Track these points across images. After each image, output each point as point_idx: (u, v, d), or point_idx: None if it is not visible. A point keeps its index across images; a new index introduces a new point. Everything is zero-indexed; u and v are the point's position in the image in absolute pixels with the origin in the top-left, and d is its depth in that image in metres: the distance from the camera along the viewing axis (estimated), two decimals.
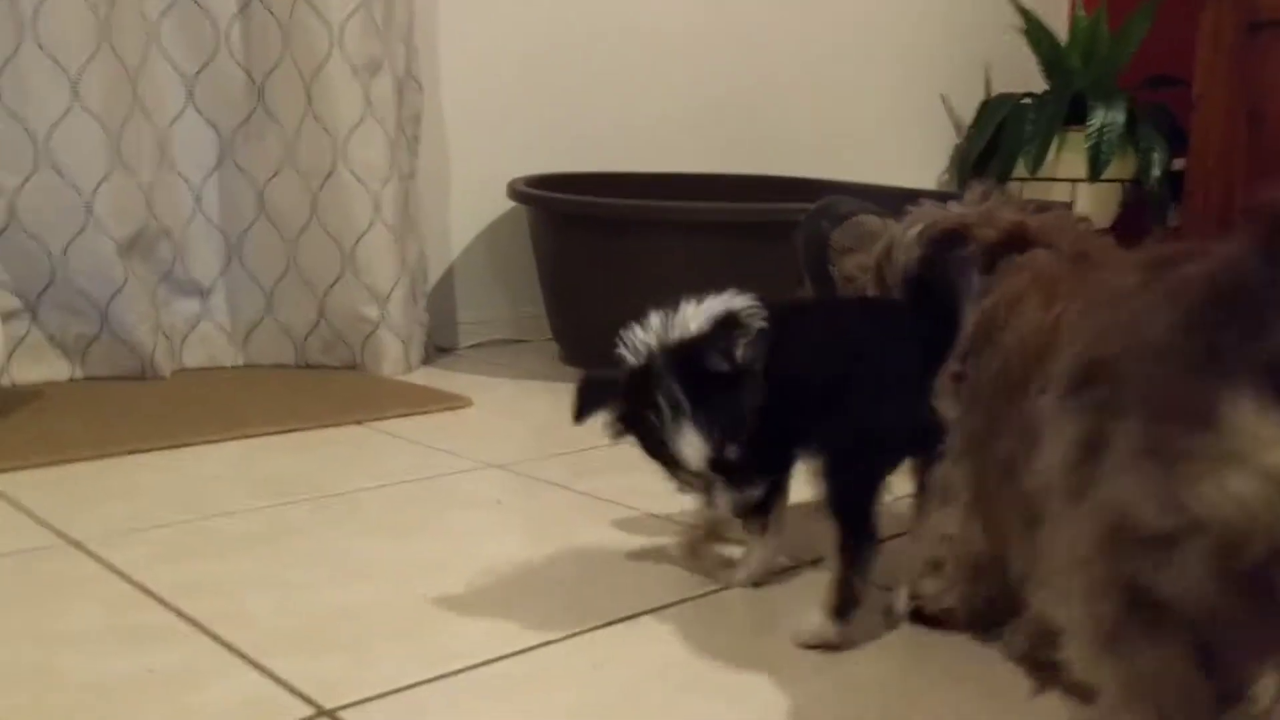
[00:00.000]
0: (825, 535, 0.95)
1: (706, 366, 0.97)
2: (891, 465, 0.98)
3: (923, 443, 0.95)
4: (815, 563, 1.11)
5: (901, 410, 0.95)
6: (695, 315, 1.01)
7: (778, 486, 1.07)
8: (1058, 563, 0.66)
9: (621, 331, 1.02)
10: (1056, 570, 0.66)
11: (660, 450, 1.00)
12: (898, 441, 0.97)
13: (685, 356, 0.98)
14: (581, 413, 1.02)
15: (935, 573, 0.97)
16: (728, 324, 0.99)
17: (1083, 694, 0.77)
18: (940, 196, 1.07)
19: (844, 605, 0.95)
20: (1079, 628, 0.63)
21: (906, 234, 1.00)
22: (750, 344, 0.98)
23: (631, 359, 1.01)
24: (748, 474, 1.01)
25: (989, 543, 0.90)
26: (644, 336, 1.01)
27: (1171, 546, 0.56)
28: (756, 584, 1.09)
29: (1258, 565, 0.54)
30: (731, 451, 0.98)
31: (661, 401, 0.97)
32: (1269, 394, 0.52)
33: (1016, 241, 0.93)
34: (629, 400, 1.00)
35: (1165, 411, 0.56)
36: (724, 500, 1.02)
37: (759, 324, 0.99)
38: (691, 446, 0.97)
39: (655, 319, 1.02)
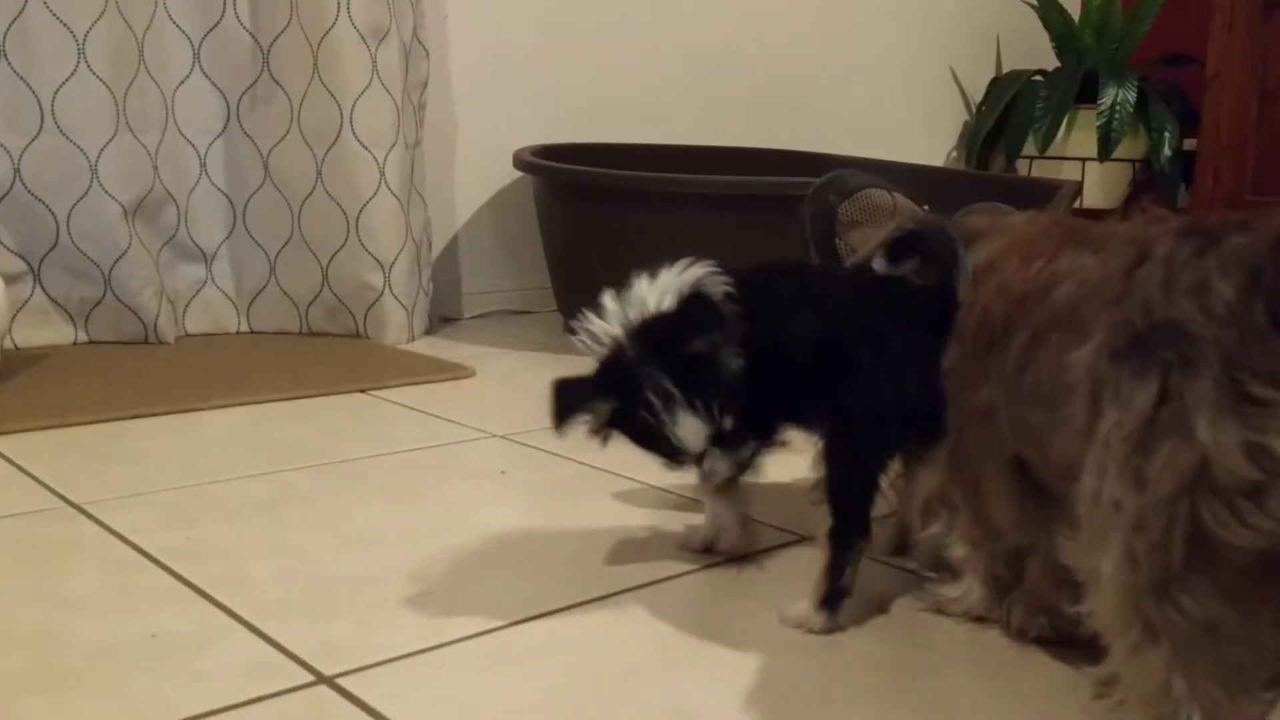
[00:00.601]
0: (820, 520, 0.94)
1: (687, 349, 0.93)
2: (894, 453, 0.96)
3: (929, 430, 0.92)
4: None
5: (908, 391, 0.92)
6: (656, 293, 0.96)
7: (756, 452, 1.03)
8: (1102, 513, 0.67)
9: (579, 323, 0.98)
10: (1099, 520, 0.67)
11: (658, 441, 0.96)
12: (904, 426, 0.94)
13: (661, 341, 0.94)
14: (562, 420, 0.96)
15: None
16: (698, 300, 0.96)
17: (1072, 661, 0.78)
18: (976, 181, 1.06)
19: (831, 596, 0.93)
20: (1127, 575, 0.65)
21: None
22: (724, 314, 0.94)
23: (600, 351, 0.96)
24: (742, 436, 0.99)
25: (961, 493, 0.92)
26: (607, 325, 0.97)
27: (1259, 493, 0.60)
28: (725, 554, 1.08)
29: None
30: (728, 422, 0.96)
31: (650, 395, 0.93)
32: None
33: None
34: (613, 398, 0.96)
35: (1245, 369, 0.61)
36: (722, 465, 1.00)
37: (723, 290, 0.96)
38: (691, 431, 0.94)
39: (612, 304, 0.97)
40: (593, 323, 0.97)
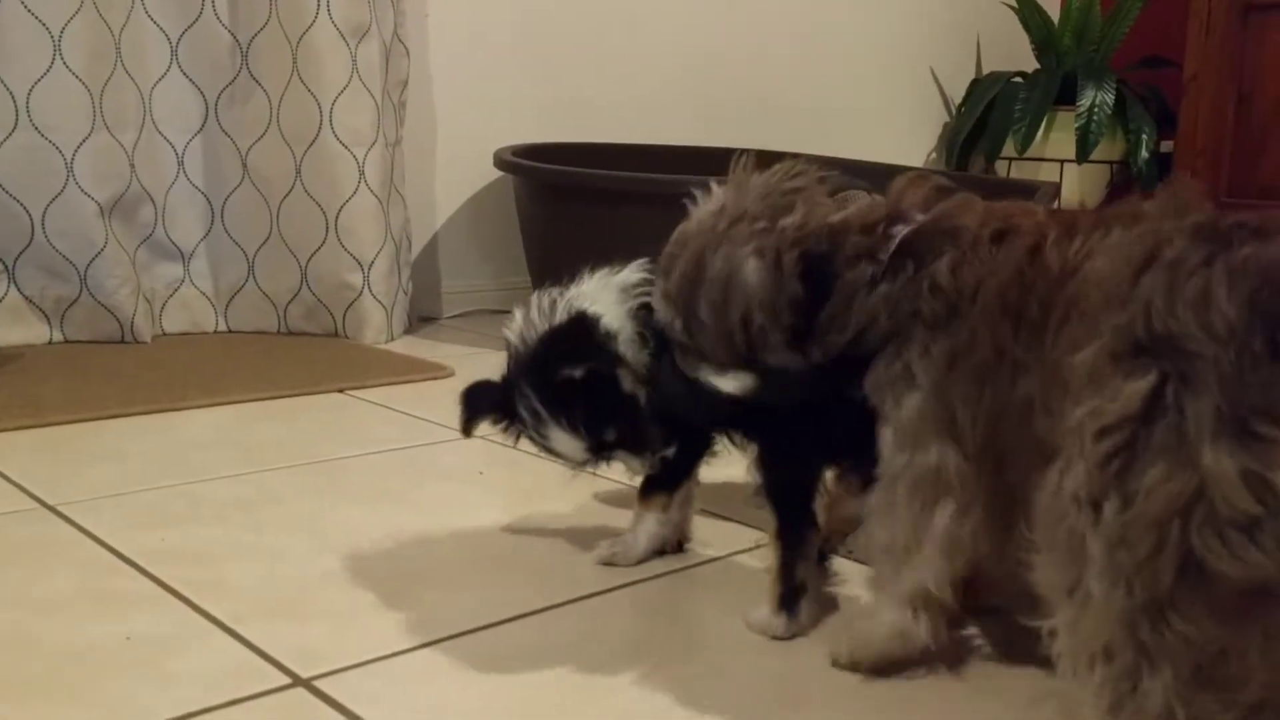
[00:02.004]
0: (766, 522, 0.94)
1: (556, 376, 0.95)
2: (822, 458, 0.95)
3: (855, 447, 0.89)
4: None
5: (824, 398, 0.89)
6: (547, 312, 0.99)
7: (691, 460, 1.04)
8: (1066, 508, 0.66)
9: (503, 324, 1.02)
10: (1066, 519, 0.66)
11: (545, 448, 1.00)
12: (830, 435, 0.93)
13: (531, 366, 0.97)
14: (467, 425, 1.02)
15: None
16: (576, 325, 0.97)
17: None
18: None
19: (788, 596, 0.92)
20: (1121, 596, 0.63)
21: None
22: (601, 340, 0.96)
23: (508, 358, 1.00)
24: (641, 441, 0.99)
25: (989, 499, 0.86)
26: (509, 335, 1.00)
27: (1254, 528, 0.59)
28: (640, 562, 1.07)
29: None
30: (610, 434, 0.97)
31: (522, 411, 0.97)
32: None
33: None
34: (499, 410, 1.00)
35: (1244, 396, 0.59)
36: (635, 466, 1.02)
37: (640, 302, 0.97)
38: (566, 444, 0.98)
39: (519, 313, 1.00)
40: (507, 327, 1.01)
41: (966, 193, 0.86)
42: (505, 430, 1.01)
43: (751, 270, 0.85)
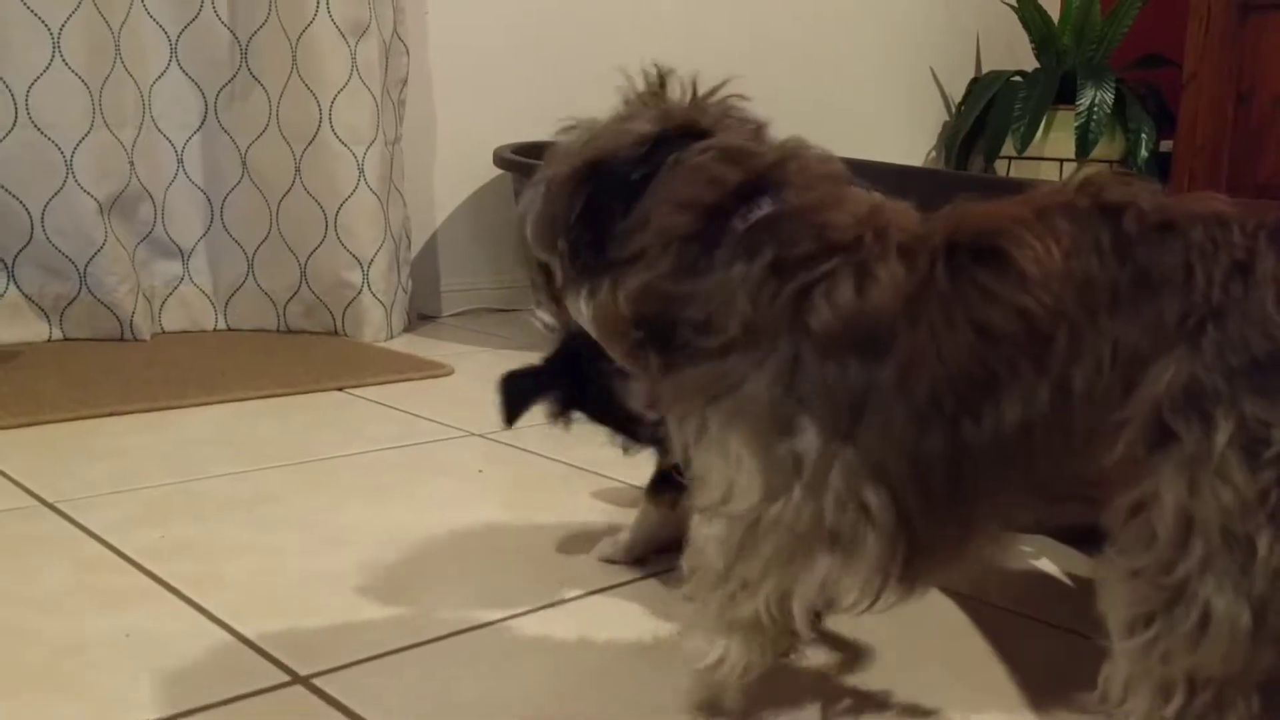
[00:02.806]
0: None
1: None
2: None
3: None
4: None
5: None
6: None
7: None
8: (1202, 533, 0.63)
9: (535, 310, 0.97)
10: (1194, 544, 0.63)
11: (615, 411, 0.96)
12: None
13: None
14: (512, 414, 0.96)
15: None
16: None
17: None
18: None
19: None
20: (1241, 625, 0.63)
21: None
22: None
23: (550, 333, 0.96)
24: None
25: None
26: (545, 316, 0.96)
27: None
28: (640, 560, 1.07)
29: None
30: None
31: (603, 365, 0.91)
32: None
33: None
34: (566, 379, 0.96)
35: None
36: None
37: None
38: (638, 398, 0.94)
39: None
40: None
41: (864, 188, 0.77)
42: (557, 415, 0.98)
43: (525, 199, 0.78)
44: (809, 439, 0.69)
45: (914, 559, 0.70)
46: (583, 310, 0.77)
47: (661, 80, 0.83)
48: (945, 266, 0.68)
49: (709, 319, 0.71)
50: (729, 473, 0.71)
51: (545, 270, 0.80)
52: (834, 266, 0.69)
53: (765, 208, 0.73)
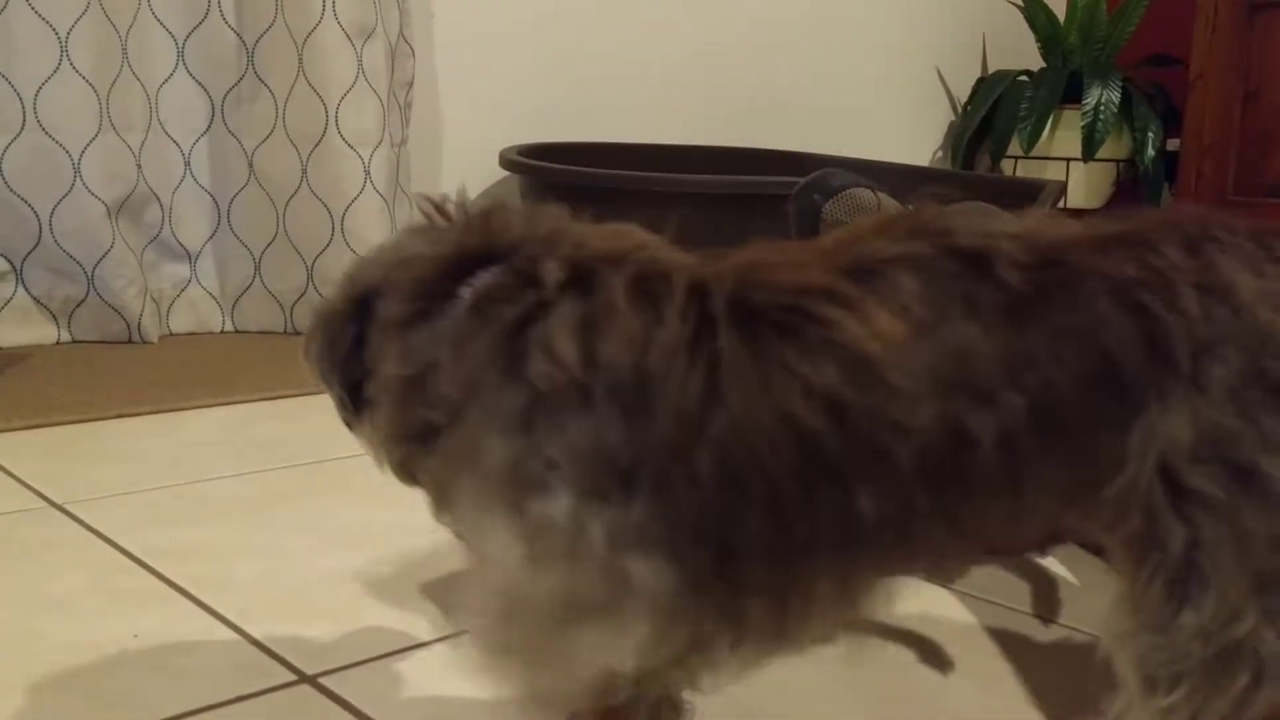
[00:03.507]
0: None
1: None
2: None
3: None
4: None
5: None
6: None
7: None
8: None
9: None
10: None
11: None
12: None
13: None
14: None
15: None
16: None
17: None
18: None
19: None
20: None
21: None
22: None
23: None
24: None
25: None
26: None
27: None
28: None
29: None
30: None
31: None
32: None
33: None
34: None
35: None
36: None
37: None
38: None
39: None
40: None
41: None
42: None
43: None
44: (561, 502, 0.59)
45: (747, 619, 0.61)
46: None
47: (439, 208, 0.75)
48: (734, 332, 0.58)
49: (432, 390, 0.64)
50: (481, 545, 0.65)
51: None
52: (540, 300, 0.61)
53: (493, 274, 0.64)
